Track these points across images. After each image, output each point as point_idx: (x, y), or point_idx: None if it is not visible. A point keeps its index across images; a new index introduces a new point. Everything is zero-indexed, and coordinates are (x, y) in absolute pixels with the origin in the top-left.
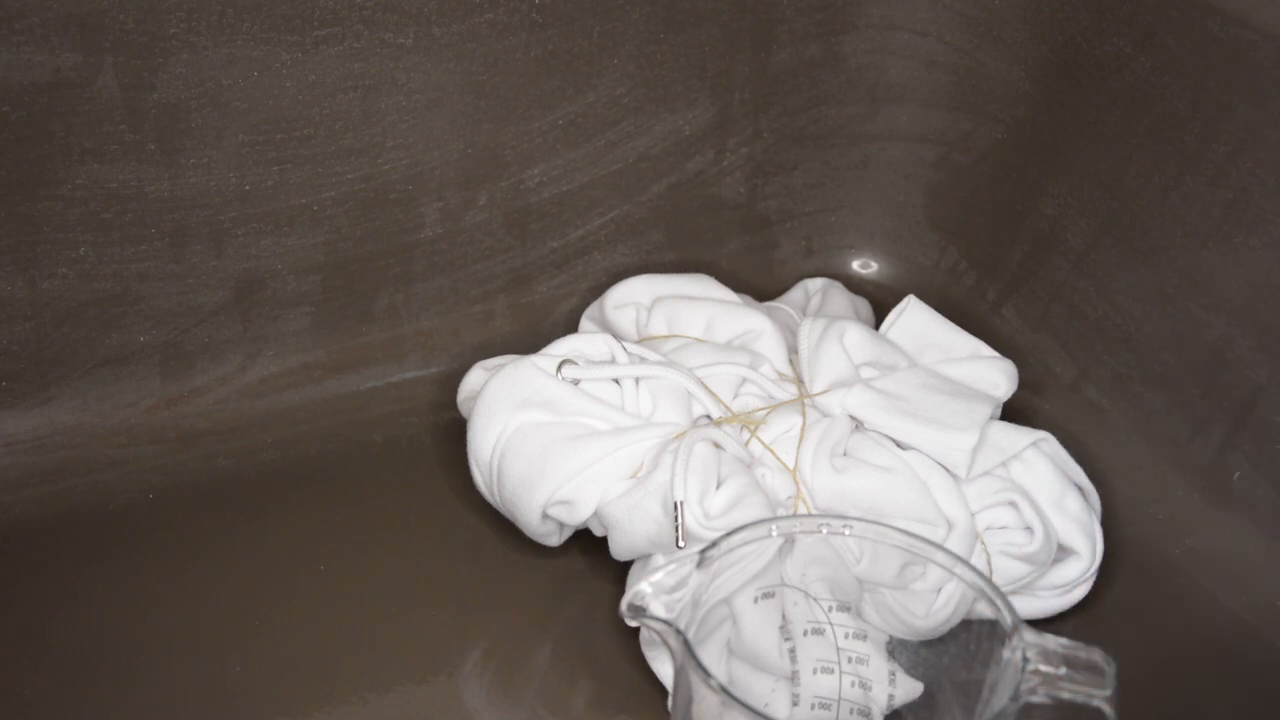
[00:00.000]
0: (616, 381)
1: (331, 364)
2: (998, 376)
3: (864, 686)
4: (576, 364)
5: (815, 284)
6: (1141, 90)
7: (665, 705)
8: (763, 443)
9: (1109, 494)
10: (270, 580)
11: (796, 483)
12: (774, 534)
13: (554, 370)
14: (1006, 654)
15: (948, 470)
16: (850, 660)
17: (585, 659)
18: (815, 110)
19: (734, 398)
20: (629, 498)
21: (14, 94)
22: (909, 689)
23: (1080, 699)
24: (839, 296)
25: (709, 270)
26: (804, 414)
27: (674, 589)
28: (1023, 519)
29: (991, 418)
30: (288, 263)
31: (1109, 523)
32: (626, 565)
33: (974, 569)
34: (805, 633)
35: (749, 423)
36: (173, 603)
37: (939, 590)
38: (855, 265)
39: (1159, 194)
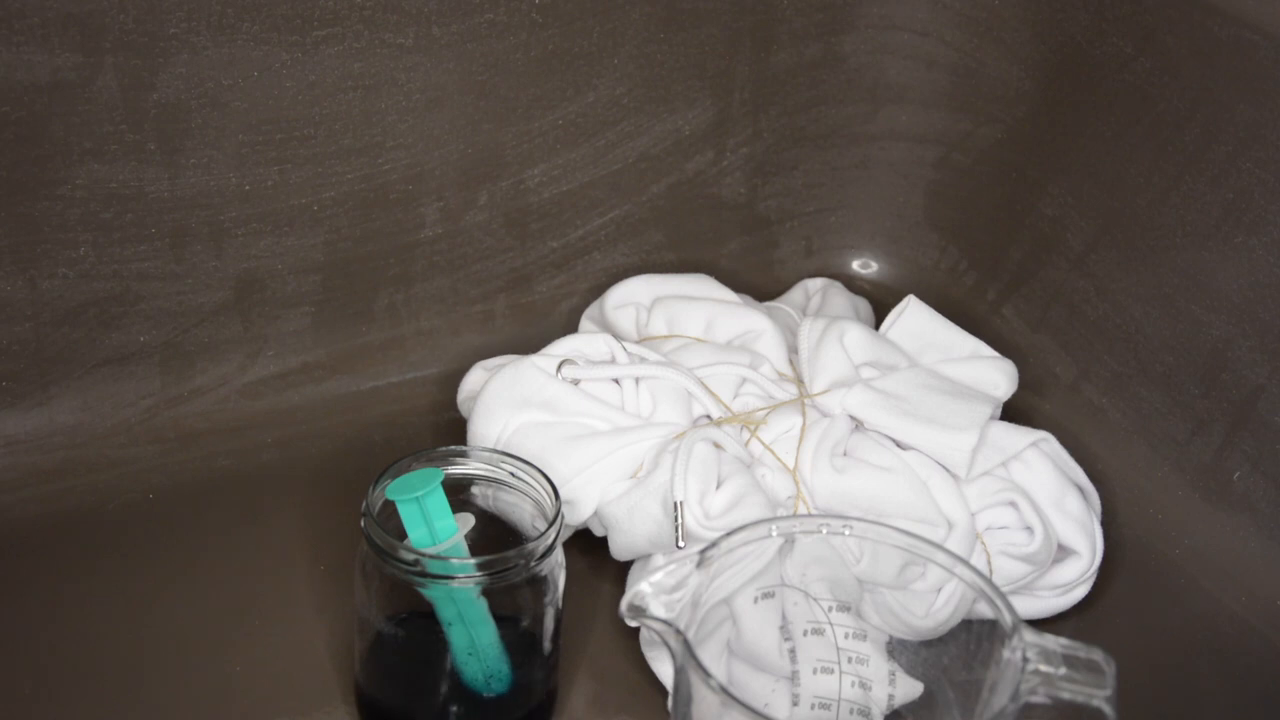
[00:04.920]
0: (616, 381)
1: (331, 364)
2: (998, 376)
3: (864, 686)
4: (576, 364)
5: (815, 284)
6: (1141, 90)
7: (665, 705)
8: (763, 443)
9: (1109, 494)
10: (270, 580)
11: (796, 483)
12: (774, 534)
13: (554, 370)
14: (1006, 654)
15: (948, 470)
16: (850, 660)
17: (585, 659)
18: (815, 110)
19: (734, 398)
20: (629, 498)
21: (14, 94)
22: (909, 689)
23: (1080, 699)
24: (839, 296)
25: (709, 270)
26: (804, 414)
27: (674, 589)
28: (1023, 519)
29: (991, 418)
30: (288, 263)
31: (1109, 523)
32: (626, 565)
33: (974, 569)
34: (805, 633)
35: (749, 423)
36: (173, 603)
37: (939, 590)
38: (855, 265)
39: (1159, 194)
